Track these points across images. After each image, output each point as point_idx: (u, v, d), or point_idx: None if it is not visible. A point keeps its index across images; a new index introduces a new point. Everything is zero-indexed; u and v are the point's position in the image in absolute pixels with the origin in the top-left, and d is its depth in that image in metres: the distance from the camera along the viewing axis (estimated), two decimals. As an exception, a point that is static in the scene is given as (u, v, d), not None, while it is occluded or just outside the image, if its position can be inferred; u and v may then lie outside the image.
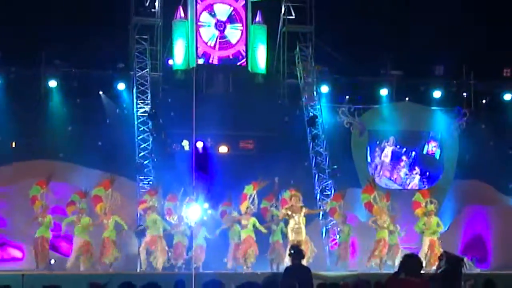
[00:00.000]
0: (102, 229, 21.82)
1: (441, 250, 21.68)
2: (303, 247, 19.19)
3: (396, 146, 28.10)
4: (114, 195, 22.23)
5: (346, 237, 22.99)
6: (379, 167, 27.93)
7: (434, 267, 11.83)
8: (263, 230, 22.18)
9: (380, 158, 28.03)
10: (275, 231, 22.32)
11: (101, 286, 9.72)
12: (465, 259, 9.73)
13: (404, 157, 28.12)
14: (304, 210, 21.75)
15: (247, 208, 22.13)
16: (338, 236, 23.49)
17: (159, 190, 22.99)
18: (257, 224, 22.05)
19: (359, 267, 22.98)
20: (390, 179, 27.97)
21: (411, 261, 8.36)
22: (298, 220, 21.58)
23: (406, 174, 28.15)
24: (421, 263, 8.46)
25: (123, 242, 22.87)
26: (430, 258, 21.70)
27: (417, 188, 27.35)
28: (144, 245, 21.68)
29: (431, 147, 28.37)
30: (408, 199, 24.06)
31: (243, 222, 22.04)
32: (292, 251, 11.81)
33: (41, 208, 21.89)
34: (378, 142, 28.06)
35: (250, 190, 22.37)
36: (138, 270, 21.89)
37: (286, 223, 22.04)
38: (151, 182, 24.41)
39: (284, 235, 22.06)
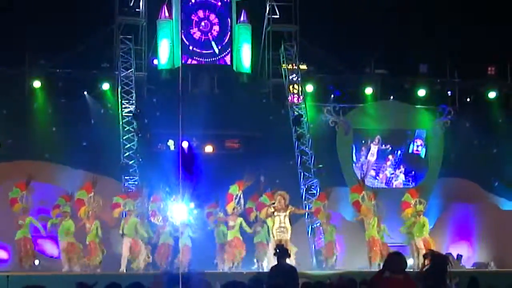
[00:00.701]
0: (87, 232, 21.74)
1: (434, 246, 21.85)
2: (288, 247, 19.24)
3: (381, 145, 28.14)
4: (96, 199, 22.12)
5: (330, 237, 22.96)
6: (364, 166, 27.95)
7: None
8: (249, 230, 22.17)
9: (366, 157, 28.07)
10: (259, 232, 22.28)
11: (88, 286, 9.68)
12: (450, 258, 9.75)
13: (390, 156, 28.16)
14: (290, 209, 21.72)
15: (234, 208, 22.11)
16: (322, 236, 23.44)
17: (143, 192, 22.90)
18: (244, 225, 22.04)
19: (346, 266, 23.00)
20: (376, 178, 28.01)
21: (395, 259, 8.38)
22: (283, 220, 21.54)
23: (392, 173, 28.20)
24: (406, 261, 8.49)
25: (108, 242, 22.79)
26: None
27: (401, 186, 27.44)
28: (126, 249, 21.48)
29: (416, 146, 28.42)
30: (393, 198, 24.12)
31: (230, 223, 22.01)
32: (277, 250, 11.80)
33: (22, 210, 21.81)
34: (363, 141, 28.11)
35: (235, 190, 22.34)
36: (124, 271, 21.82)
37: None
38: (136, 182, 24.37)
39: (269, 236, 22.01)
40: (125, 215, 21.95)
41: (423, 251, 21.70)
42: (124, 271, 21.12)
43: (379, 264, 21.93)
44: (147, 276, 18.55)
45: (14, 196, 22.02)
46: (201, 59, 27.28)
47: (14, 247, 22.61)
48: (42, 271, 21.83)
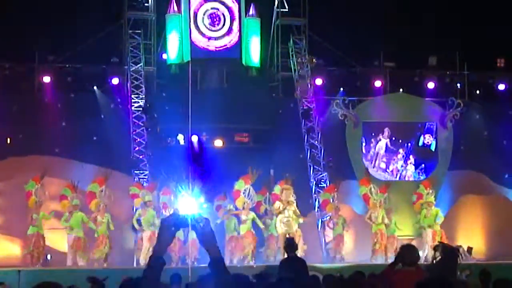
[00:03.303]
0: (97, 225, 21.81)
1: (445, 238, 21.90)
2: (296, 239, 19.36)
3: (391, 138, 28.10)
4: (108, 192, 22.22)
5: (339, 229, 22.97)
6: (374, 159, 27.94)
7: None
8: (261, 225, 22.27)
9: (375, 150, 28.05)
10: (269, 225, 22.35)
11: (99, 281, 9.74)
12: (461, 250, 9.76)
13: (400, 149, 28.11)
14: (294, 205, 21.85)
15: (244, 203, 22.20)
16: (332, 229, 23.46)
17: (157, 186, 23.00)
18: (257, 220, 22.16)
19: (355, 259, 23.03)
20: (386, 171, 27.99)
21: (407, 252, 8.39)
22: (288, 214, 21.65)
23: (402, 166, 28.17)
24: (418, 253, 8.50)
25: (118, 237, 22.88)
26: None
27: (412, 179, 27.43)
28: (147, 240, 21.50)
29: (426, 139, 28.38)
30: (404, 191, 24.14)
31: (243, 217, 22.12)
32: (286, 244, 11.87)
33: (35, 204, 21.88)
34: (373, 134, 28.08)
35: (241, 185, 22.44)
36: (134, 265, 21.89)
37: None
38: (146, 177, 24.42)
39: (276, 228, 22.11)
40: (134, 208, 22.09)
41: (429, 244, 21.91)
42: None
43: (382, 257, 22.09)
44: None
45: (29, 189, 22.09)
46: (210, 54, 27.26)
47: (26, 241, 22.71)
48: (53, 266, 21.90)
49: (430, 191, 23.19)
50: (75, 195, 22.12)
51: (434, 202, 22.93)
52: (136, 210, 22.73)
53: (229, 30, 27.31)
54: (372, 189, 23.03)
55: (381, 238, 22.41)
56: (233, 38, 27.31)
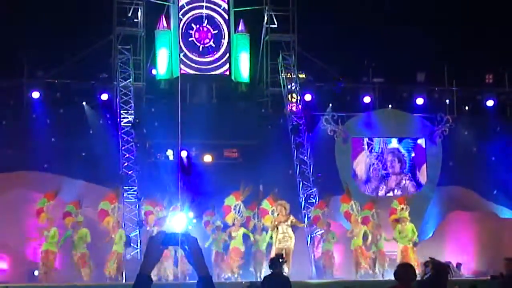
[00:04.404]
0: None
1: (415, 257, 21.95)
2: (290, 255, 19.34)
3: (380, 154, 28.15)
4: (121, 208, 22.46)
5: (329, 245, 22.96)
6: (362, 174, 27.97)
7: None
8: (252, 238, 22.26)
9: (364, 166, 28.08)
10: (257, 240, 22.32)
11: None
12: (451, 266, 9.77)
13: (389, 165, 28.15)
14: (291, 219, 21.81)
15: (234, 219, 22.21)
16: (322, 245, 23.43)
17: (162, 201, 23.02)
18: (249, 233, 22.19)
19: (345, 275, 23.02)
20: (375, 186, 28.00)
21: (402, 270, 8.39)
22: (285, 229, 21.63)
23: (392, 182, 28.18)
24: (414, 272, 8.50)
25: (108, 252, 22.79)
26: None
27: (400, 194, 27.46)
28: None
29: (415, 154, 28.44)
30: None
31: (233, 234, 22.13)
32: (271, 261, 11.85)
33: (47, 221, 21.78)
34: (362, 150, 28.12)
35: (232, 201, 22.45)
36: (124, 281, 21.79)
37: (265, 230, 22.20)
38: (135, 192, 24.36)
39: (268, 244, 22.07)
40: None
41: (398, 260, 22.01)
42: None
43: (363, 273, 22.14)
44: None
45: (40, 206, 22.00)
46: (199, 69, 27.29)
47: (14, 257, 22.62)
48: (41, 283, 21.80)
49: (404, 207, 23.22)
50: (79, 211, 22.10)
51: (408, 218, 22.92)
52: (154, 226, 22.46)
53: (218, 46, 27.34)
54: (353, 206, 23.13)
55: (362, 254, 22.45)
56: (222, 54, 27.33)
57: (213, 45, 27.35)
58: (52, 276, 21.40)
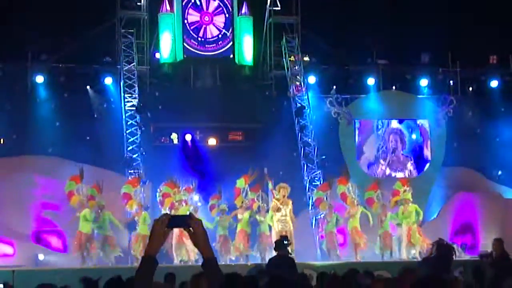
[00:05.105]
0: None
1: (422, 238, 22.06)
2: (291, 238, 19.41)
3: (385, 135, 28.15)
4: (145, 191, 22.79)
5: (332, 227, 22.93)
6: (368, 156, 27.99)
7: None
8: (260, 219, 22.31)
9: (369, 147, 28.09)
10: (262, 222, 22.37)
11: (93, 281, 9.75)
12: (455, 246, 9.78)
13: (393, 146, 28.15)
14: (290, 205, 21.94)
15: (242, 202, 22.31)
16: (324, 227, 23.45)
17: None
18: (256, 216, 22.25)
19: (351, 256, 23.07)
20: (380, 167, 28.01)
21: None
22: (285, 212, 21.73)
23: (396, 163, 28.19)
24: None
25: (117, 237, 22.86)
26: (411, 246, 22.13)
27: (406, 176, 27.47)
28: (177, 239, 21.43)
29: (419, 135, 28.45)
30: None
31: (239, 216, 22.21)
32: (275, 243, 11.90)
33: (79, 203, 21.87)
34: (366, 132, 28.12)
35: (242, 184, 22.57)
36: (129, 264, 21.87)
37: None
38: (139, 176, 24.39)
39: (271, 227, 22.14)
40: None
41: (406, 241, 22.10)
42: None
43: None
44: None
45: (71, 189, 22.09)
46: (203, 52, 27.28)
47: (19, 242, 22.73)
48: (47, 266, 21.91)
49: (407, 188, 23.24)
50: (101, 196, 22.16)
51: (411, 200, 22.94)
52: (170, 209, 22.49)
53: (222, 29, 27.32)
54: (350, 188, 23.14)
55: (355, 235, 22.47)
56: (226, 36, 27.31)
57: (217, 28, 27.30)
58: (85, 258, 21.47)
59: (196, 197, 23.25)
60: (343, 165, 25.49)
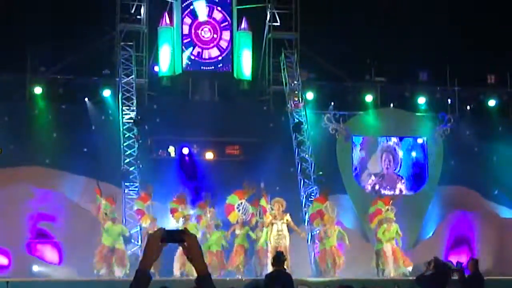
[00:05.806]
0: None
1: (403, 257, 22.13)
2: (286, 254, 19.34)
3: (381, 152, 28.16)
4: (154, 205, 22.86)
5: (333, 242, 22.73)
6: (364, 173, 27.99)
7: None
8: (254, 237, 22.28)
9: (366, 164, 28.10)
10: (260, 238, 22.33)
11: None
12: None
13: (390, 163, 28.16)
14: (286, 218, 21.85)
15: (238, 218, 22.25)
16: (318, 244, 23.34)
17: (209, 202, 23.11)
18: (250, 233, 22.22)
19: (345, 273, 23.00)
20: (376, 184, 28.01)
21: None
22: (280, 227, 21.67)
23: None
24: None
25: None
26: (393, 263, 22.11)
27: (402, 193, 27.49)
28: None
29: (416, 154, 28.46)
30: (398, 205, 24.09)
31: (237, 231, 22.17)
32: (273, 258, 11.89)
33: (103, 217, 21.93)
34: (363, 149, 28.14)
35: (234, 200, 22.45)
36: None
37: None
38: (136, 189, 24.39)
39: (268, 242, 22.09)
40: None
41: (391, 258, 22.06)
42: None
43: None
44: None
45: (99, 202, 22.16)
46: (201, 66, 27.35)
47: (15, 252, 22.68)
48: (40, 278, 21.85)
49: (390, 207, 23.21)
50: (114, 208, 22.15)
51: (394, 219, 22.88)
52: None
53: (221, 43, 27.41)
54: (328, 206, 23.00)
55: (336, 254, 22.32)
56: (225, 51, 27.39)
57: (216, 43, 27.38)
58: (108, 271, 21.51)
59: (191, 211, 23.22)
60: (352, 182, 25.45)
